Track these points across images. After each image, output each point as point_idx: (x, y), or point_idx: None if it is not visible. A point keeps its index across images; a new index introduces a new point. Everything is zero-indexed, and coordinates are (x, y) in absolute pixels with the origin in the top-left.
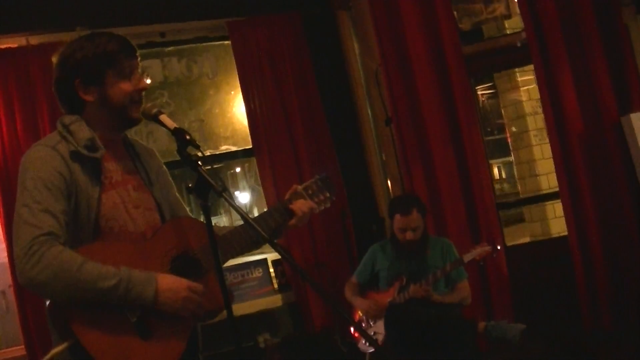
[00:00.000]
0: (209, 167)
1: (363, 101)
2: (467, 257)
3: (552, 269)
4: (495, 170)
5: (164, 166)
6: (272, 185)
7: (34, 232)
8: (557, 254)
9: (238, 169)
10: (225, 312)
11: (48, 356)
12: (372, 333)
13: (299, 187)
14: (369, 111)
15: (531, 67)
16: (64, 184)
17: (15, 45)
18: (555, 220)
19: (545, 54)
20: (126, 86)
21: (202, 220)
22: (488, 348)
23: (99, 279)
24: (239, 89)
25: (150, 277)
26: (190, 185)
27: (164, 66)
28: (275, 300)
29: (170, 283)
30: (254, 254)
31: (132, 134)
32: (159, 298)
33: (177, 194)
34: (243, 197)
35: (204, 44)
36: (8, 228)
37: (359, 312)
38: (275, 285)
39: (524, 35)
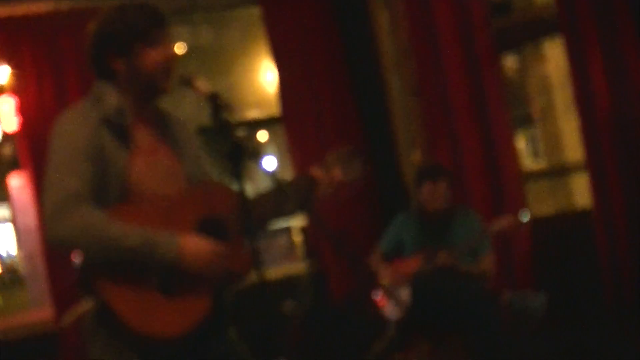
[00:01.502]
0: (243, 134)
1: (391, 73)
2: (493, 229)
3: (576, 242)
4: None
5: (196, 137)
6: (299, 154)
7: (61, 193)
8: (581, 227)
9: (263, 137)
10: (249, 280)
11: (74, 313)
12: (394, 304)
13: (329, 156)
14: (397, 83)
15: (560, 39)
16: (93, 149)
17: (44, 11)
18: (581, 193)
19: (575, 27)
20: (155, 55)
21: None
22: (511, 319)
23: (123, 239)
24: (267, 57)
25: (174, 238)
26: (222, 150)
27: (193, 33)
28: (299, 268)
29: (193, 243)
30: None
31: (161, 102)
32: (182, 258)
33: (208, 164)
34: (269, 165)
35: (233, 10)
36: (39, 191)
37: (382, 282)
38: (300, 253)
39: (553, 7)
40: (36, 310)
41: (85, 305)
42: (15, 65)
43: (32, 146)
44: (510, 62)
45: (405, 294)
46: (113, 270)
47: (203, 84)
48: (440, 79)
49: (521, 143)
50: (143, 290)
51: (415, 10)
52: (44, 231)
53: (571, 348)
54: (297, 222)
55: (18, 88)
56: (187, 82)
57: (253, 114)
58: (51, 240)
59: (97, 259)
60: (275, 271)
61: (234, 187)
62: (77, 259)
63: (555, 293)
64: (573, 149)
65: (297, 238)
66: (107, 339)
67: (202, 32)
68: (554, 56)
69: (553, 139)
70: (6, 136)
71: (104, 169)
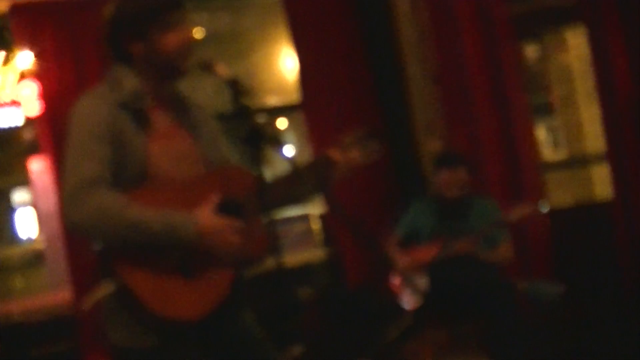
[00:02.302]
0: (262, 119)
1: (411, 58)
2: (511, 217)
3: (595, 233)
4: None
5: (214, 121)
6: (318, 141)
7: (79, 177)
8: (601, 218)
9: (282, 124)
10: (265, 263)
11: (95, 297)
12: (410, 291)
13: (347, 138)
14: (416, 69)
15: (581, 28)
16: (110, 133)
17: None
18: (601, 184)
19: (597, 15)
20: (172, 38)
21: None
22: (527, 308)
23: (141, 221)
24: (286, 44)
25: (192, 217)
26: (242, 135)
27: (211, 19)
28: (316, 255)
29: (211, 221)
30: (296, 208)
31: (178, 86)
32: (200, 237)
33: (226, 148)
34: (288, 151)
35: None
36: (58, 175)
37: (399, 268)
38: (317, 240)
39: None
40: (55, 293)
41: (105, 289)
42: (36, 50)
43: (53, 131)
44: (531, 50)
45: (421, 281)
46: (132, 253)
47: (223, 69)
48: (459, 66)
49: (541, 133)
50: (162, 272)
51: None
52: (62, 215)
53: (588, 339)
54: (315, 208)
55: (39, 73)
56: (207, 67)
57: (272, 100)
58: (69, 224)
59: (116, 243)
60: (292, 257)
61: (253, 171)
62: (96, 242)
63: (573, 284)
64: (594, 138)
65: (315, 225)
66: (127, 321)
67: (221, 17)
68: (576, 44)
69: (574, 129)
70: (27, 120)
71: (122, 152)
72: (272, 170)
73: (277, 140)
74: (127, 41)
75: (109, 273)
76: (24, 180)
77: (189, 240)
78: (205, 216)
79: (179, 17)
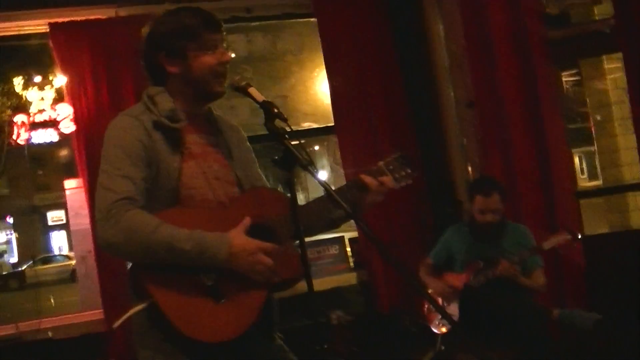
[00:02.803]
0: (295, 142)
1: (445, 83)
2: (547, 245)
3: (631, 261)
4: (576, 160)
5: (248, 142)
6: (352, 164)
7: (112, 196)
8: (636, 245)
9: (317, 147)
10: (297, 286)
11: (126, 316)
12: (441, 317)
13: (380, 163)
14: (452, 93)
15: (619, 54)
16: (145, 152)
17: (104, 17)
18: (637, 212)
19: (635, 42)
20: (209, 59)
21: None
22: (560, 336)
23: (173, 241)
24: (322, 67)
25: (224, 238)
26: (275, 157)
27: (248, 41)
28: (349, 278)
29: (243, 243)
30: (331, 232)
31: (214, 108)
32: (232, 258)
33: (259, 170)
34: (321, 175)
35: (289, 20)
36: (92, 195)
37: (431, 294)
38: (351, 264)
39: (612, 21)
40: (86, 312)
41: (136, 307)
42: (73, 73)
43: (87, 152)
44: (567, 76)
45: (453, 307)
46: (164, 273)
47: (255, 92)
48: (495, 91)
49: (578, 161)
50: (193, 294)
51: (470, 20)
52: (96, 235)
53: None
54: (350, 232)
55: (75, 93)
56: (241, 89)
57: (307, 124)
58: (102, 242)
59: (148, 261)
60: (325, 281)
61: (285, 194)
62: (128, 260)
63: (608, 313)
64: (630, 166)
65: (348, 248)
66: (158, 340)
67: (258, 40)
68: (613, 71)
69: (610, 157)
70: (63, 140)
71: (156, 172)
72: (308, 196)
73: (310, 163)
74: (164, 60)
75: (140, 292)
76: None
77: (221, 261)
78: (238, 238)
79: (216, 38)
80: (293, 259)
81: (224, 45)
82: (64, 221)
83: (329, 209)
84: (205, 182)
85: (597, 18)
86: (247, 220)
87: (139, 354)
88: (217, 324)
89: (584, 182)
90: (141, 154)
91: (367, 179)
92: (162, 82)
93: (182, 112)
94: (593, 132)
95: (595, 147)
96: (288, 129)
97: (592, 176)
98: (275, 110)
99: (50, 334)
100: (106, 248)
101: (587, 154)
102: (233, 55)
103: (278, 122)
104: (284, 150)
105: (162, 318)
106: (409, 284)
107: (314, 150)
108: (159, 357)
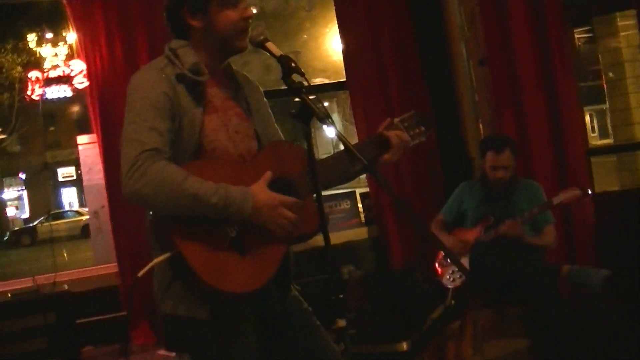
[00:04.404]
0: (312, 97)
1: (458, 41)
2: (556, 200)
3: None
4: (587, 118)
5: (264, 98)
6: (364, 121)
7: (139, 147)
8: None
9: (326, 103)
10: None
11: (150, 265)
12: (452, 271)
13: (395, 119)
14: (464, 51)
15: (632, 11)
16: (170, 104)
17: None
18: None
19: None
20: (231, 14)
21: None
22: (569, 293)
23: (199, 194)
24: (334, 24)
25: (247, 193)
26: (293, 111)
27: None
28: (360, 233)
29: (267, 198)
30: (342, 187)
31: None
32: (256, 212)
33: (275, 125)
34: (331, 131)
35: None
36: (106, 150)
37: (442, 249)
38: (362, 219)
39: None
40: (100, 267)
41: (160, 257)
42: (86, 29)
43: (101, 107)
44: (580, 35)
45: (464, 261)
46: (188, 224)
47: (273, 47)
48: (507, 48)
49: (589, 119)
50: (217, 246)
51: None
52: (122, 185)
53: (632, 324)
54: (361, 187)
55: (88, 50)
56: (260, 44)
57: (319, 80)
58: (128, 194)
59: (174, 212)
60: (337, 235)
61: (303, 148)
62: (154, 211)
63: (617, 269)
64: None
65: (360, 203)
66: (180, 291)
67: None
68: (626, 28)
69: (621, 115)
70: (76, 97)
71: (179, 124)
72: (315, 151)
73: (328, 116)
74: (187, 15)
75: (164, 242)
76: (70, 156)
77: (245, 214)
78: (261, 192)
79: None
80: (311, 213)
81: (246, 1)
82: (74, 177)
83: (347, 164)
84: (226, 135)
85: None
86: (268, 175)
87: (160, 304)
88: (240, 275)
89: (595, 140)
90: (167, 106)
91: (390, 134)
92: (184, 36)
93: (205, 66)
94: (605, 90)
95: (607, 106)
96: (305, 83)
97: (603, 135)
98: (293, 65)
99: (66, 286)
100: (133, 199)
101: (598, 112)
102: (255, 11)
103: (295, 77)
104: (301, 103)
105: (186, 268)
106: (423, 237)
107: (324, 106)
108: (181, 307)
